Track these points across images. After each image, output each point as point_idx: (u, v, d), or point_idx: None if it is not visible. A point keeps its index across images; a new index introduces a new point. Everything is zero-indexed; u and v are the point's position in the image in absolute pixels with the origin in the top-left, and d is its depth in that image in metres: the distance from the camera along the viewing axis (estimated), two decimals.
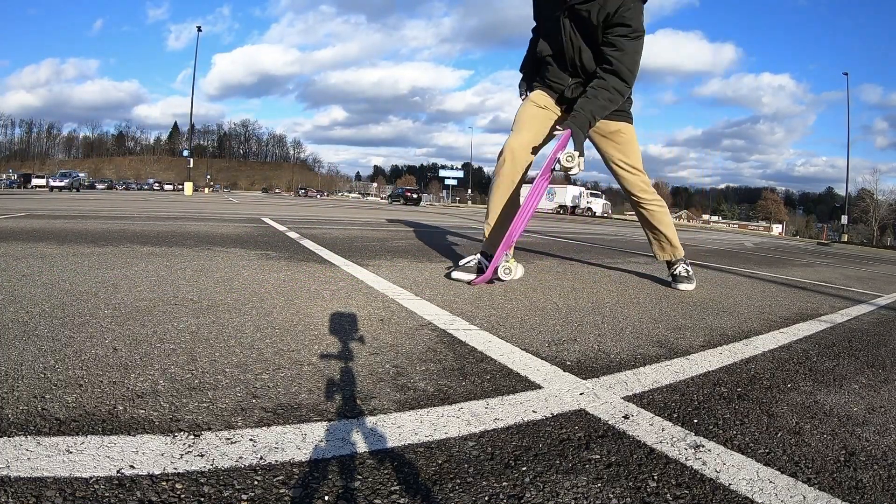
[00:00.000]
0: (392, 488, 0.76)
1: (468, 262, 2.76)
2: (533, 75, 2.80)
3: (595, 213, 36.55)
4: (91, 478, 0.72)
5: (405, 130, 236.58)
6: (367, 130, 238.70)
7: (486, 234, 2.70)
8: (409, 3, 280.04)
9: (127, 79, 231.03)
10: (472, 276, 2.55)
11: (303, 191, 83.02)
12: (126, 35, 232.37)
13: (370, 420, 0.97)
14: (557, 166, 2.36)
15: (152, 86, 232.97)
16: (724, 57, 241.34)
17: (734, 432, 1.03)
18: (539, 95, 2.71)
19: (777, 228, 57.57)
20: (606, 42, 2.39)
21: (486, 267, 2.54)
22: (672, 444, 0.96)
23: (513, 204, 2.63)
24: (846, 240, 29.31)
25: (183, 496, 0.70)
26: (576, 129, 2.38)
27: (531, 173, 2.72)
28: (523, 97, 2.80)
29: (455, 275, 2.59)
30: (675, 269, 2.95)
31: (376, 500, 0.73)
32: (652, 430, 1.01)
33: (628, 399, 1.17)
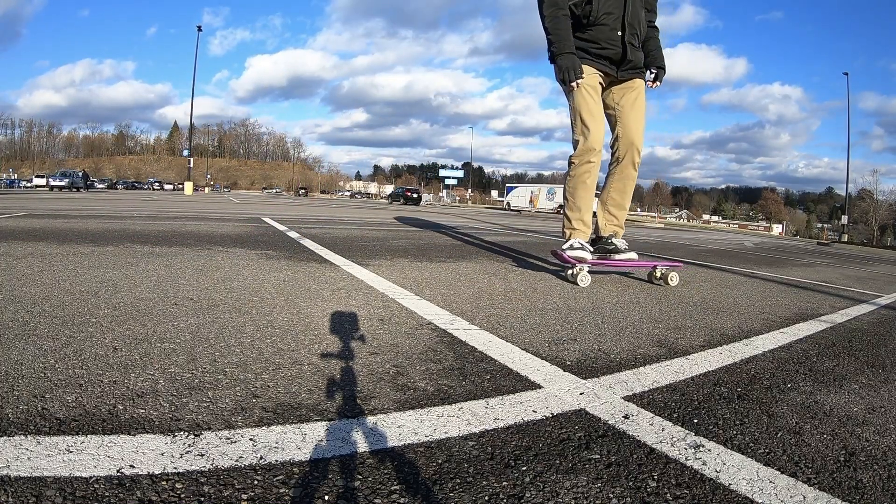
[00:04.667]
0: (392, 488, 0.76)
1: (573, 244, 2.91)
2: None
3: (595, 212, 36.58)
4: (91, 477, 0.72)
5: (421, 132, 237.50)
6: (384, 132, 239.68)
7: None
8: (454, 20, 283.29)
9: (161, 81, 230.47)
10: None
11: (303, 191, 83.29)
12: (172, 38, 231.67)
13: (370, 420, 0.97)
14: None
15: (185, 88, 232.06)
16: (735, 69, 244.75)
17: (734, 432, 1.03)
18: (592, 77, 2.83)
19: (777, 228, 57.55)
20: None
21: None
22: (672, 444, 0.96)
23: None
24: (846, 240, 29.30)
25: (183, 496, 0.70)
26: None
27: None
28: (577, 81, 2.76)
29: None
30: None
31: (376, 500, 0.73)
32: (652, 429, 1.01)
33: (628, 399, 1.17)
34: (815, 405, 1.22)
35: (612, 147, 2.98)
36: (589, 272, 2.81)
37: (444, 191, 63.26)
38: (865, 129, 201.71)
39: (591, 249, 2.90)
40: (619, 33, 2.80)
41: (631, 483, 0.82)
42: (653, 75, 3.02)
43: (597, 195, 3.05)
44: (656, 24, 3.09)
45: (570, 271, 2.84)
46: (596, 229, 3.07)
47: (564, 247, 2.88)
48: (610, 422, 1.04)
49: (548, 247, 5.34)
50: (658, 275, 2.99)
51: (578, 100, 2.80)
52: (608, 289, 2.72)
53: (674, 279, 2.93)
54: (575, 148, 2.86)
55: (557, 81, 2.82)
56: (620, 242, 3.02)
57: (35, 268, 2.29)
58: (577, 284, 2.72)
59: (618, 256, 2.98)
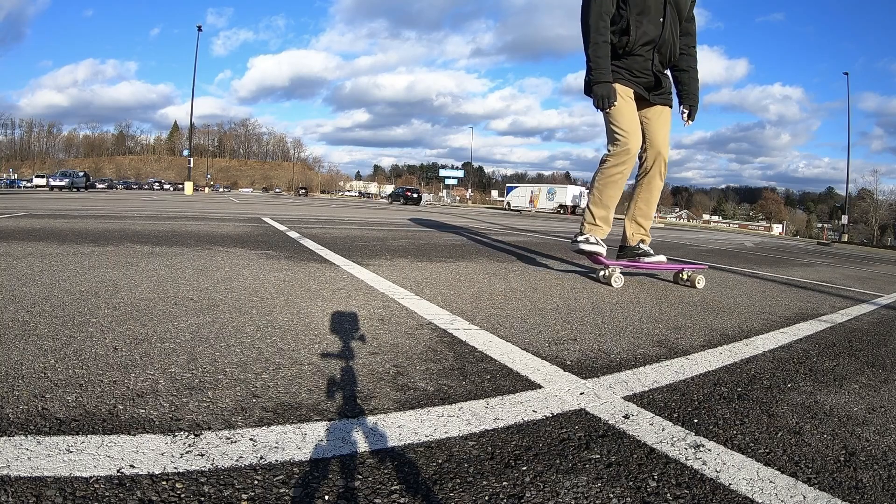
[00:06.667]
0: (392, 488, 0.76)
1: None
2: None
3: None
4: (91, 477, 0.72)
5: (422, 132, 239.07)
6: (386, 132, 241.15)
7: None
8: (457, 21, 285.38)
9: (163, 81, 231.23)
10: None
11: (303, 191, 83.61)
12: (175, 38, 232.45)
13: (370, 419, 0.97)
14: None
15: (187, 88, 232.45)
16: (736, 70, 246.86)
17: (734, 432, 1.03)
18: (625, 90, 2.87)
19: (777, 228, 57.54)
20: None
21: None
22: (672, 444, 0.96)
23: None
24: (846, 240, 29.29)
25: (183, 496, 0.70)
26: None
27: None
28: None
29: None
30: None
31: (376, 500, 0.73)
32: (652, 429, 1.01)
33: (628, 399, 1.17)
34: (815, 405, 1.22)
35: (640, 158, 3.01)
36: (622, 273, 2.84)
37: (445, 191, 63.20)
38: (865, 130, 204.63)
39: (605, 245, 2.92)
40: (650, 63, 2.85)
41: (631, 483, 0.82)
42: (686, 113, 3.06)
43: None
44: (693, 51, 3.04)
45: (602, 273, 2.87)
46: (623, 238, 3.09)
47: (579, 240, 2.88)
48: (610, 422, 1.04)
49: (548, 246, 5.35)
50: (685, 277, 3.03)
51: (615, 107, 2.85)
52: (608, 289, 2.72)
53: (700, 282, 2.96)
54: (612, 147, 2.85)
55: (594, 107, 2.82)
56: (648, 247, 3.05)
57: (35, 268, 2.29)
58: (612, 286, 2.76)
59: (647, 259, 3.01)
